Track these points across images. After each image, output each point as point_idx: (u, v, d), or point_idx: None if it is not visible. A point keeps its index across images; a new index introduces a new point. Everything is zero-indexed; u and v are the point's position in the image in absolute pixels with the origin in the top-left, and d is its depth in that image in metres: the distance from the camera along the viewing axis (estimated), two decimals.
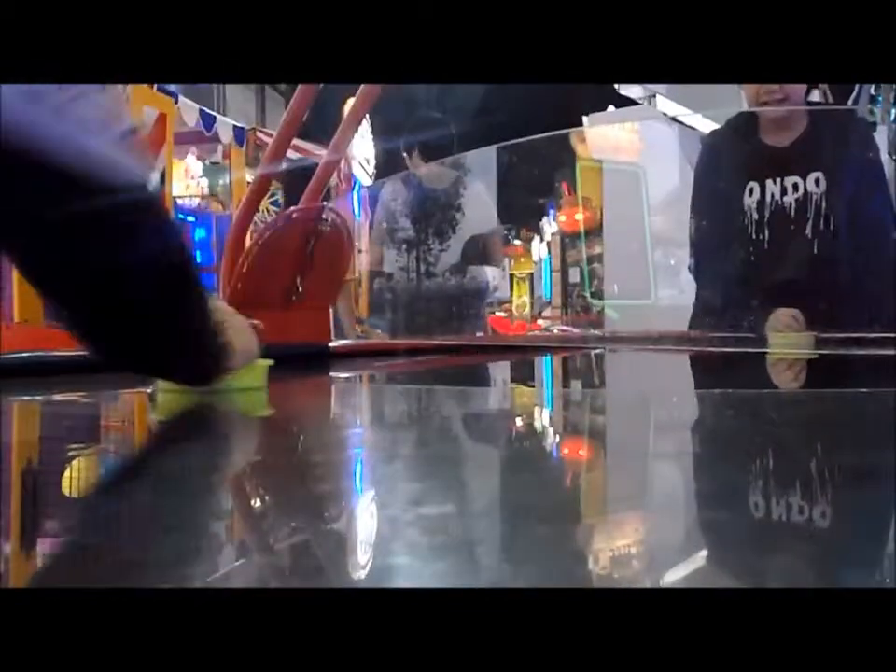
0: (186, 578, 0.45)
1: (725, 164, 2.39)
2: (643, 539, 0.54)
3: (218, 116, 6.38)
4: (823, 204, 2.24)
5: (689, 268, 2.57)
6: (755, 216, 2.30)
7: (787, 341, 2.20)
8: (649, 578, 0.46)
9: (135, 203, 0.86)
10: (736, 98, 2.51)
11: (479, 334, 3.99)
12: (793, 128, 2.32)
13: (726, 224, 2.37)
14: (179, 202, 6.70)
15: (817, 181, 2.24)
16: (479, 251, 4.06)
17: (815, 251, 2.27)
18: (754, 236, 2.32)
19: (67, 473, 0.81)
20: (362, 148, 9.07)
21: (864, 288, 2.24)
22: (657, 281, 5.37)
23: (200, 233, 6.92)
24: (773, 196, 2.27)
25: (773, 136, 2.33)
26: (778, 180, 2.28)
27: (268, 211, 6.69)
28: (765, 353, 2.16)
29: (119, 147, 0.84)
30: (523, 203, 9.35)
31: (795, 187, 2.27)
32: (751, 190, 2.31)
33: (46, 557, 0.52)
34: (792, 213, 2.28)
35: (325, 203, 3.41)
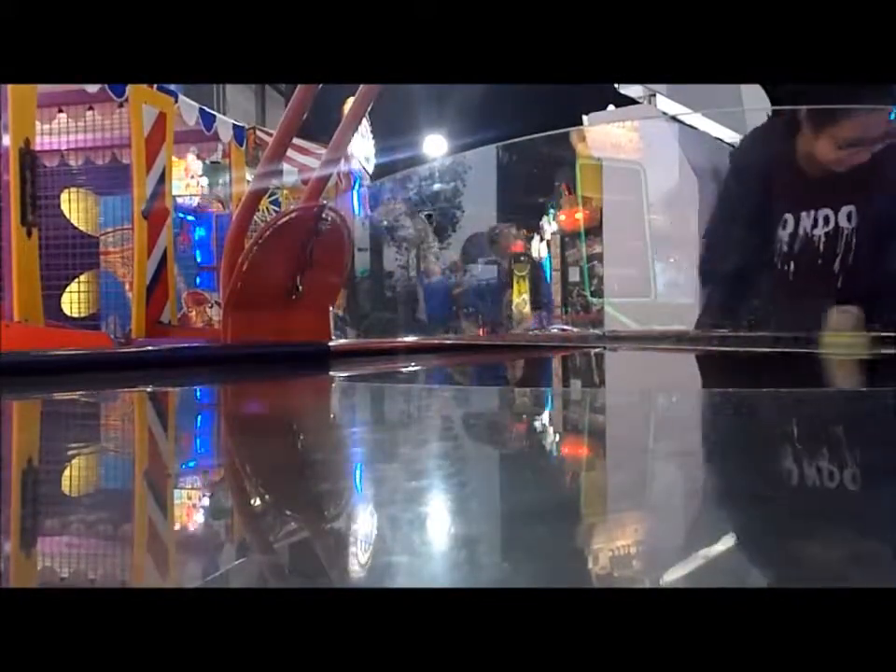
0: None
1: (760, 188, 2.29)
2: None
3: (218, 115, 6.37)
4: (853, 240, 2.18)
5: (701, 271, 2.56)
6: (785, 248, 2.25)
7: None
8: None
9: None
10: (736, 98, 2.47)
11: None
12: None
13: (750, 243, 2.30)
14: (179, 201, 6.70)
15: (849, 216, 2.17)
16: (479, 250, 4.07)
17: (838, 286, 2.21)
18: (779, 266, 2.26)
19: None
20: (362, 147, 9.08)
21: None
22: (657, 279, 5.36)
23: (200, 233, 6.92)
24: (804, 229, 2.19)
25: (810, 164, 2.23)
26: (812, 212, 2.21)
27: (268, 210, 6.69)
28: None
29: None
30: (522, 201, 9.35)
31: (826, 220, 2.19)
32: (785, 222, 2.24)
33: None
34: (821, 247, 2.21)
35: (325, 202, 3.41)
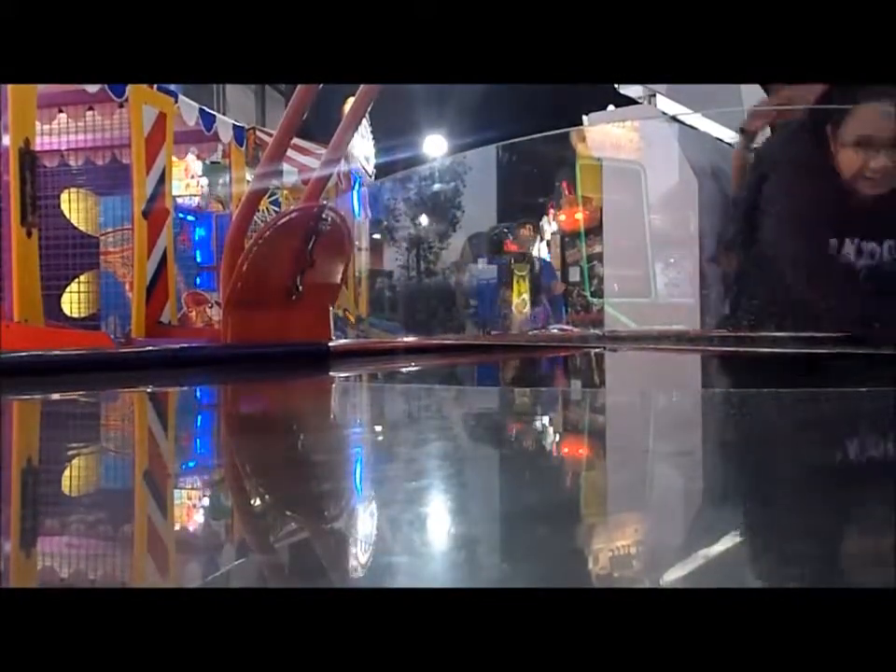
0: None
1: (804, 202, 2.17)
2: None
3: (218, 115, 6.37)
4: (893, 271, 2.10)
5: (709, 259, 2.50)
6: (824, 272, 2.16)
7: None
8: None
9: None
10: (736, 98, 2.45)
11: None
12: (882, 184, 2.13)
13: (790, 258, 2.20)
14: (179, 201, 6.70)
15: (891, 248, 2.08)
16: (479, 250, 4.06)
17: (871, 312, 2.13)
18: (815, 289, 2.17)
19: None
20: (362, 147, 9.07)
21: None
22: (657, 279, 5.35)
23: (200, 233, 6.92)
24: (846, 258, 2.10)
25: (860, 188, 2.14)
26: (856, 241, 2.12)
27: (268, 210, 6.69)
28: None
29: None
30: (522, 201, 9.34)
31: (872, 254, 2.12)
32: (828, 246, 2.14)
33: None
34: (860, 279, 2.13)
35: (325, 202, 3.41)
